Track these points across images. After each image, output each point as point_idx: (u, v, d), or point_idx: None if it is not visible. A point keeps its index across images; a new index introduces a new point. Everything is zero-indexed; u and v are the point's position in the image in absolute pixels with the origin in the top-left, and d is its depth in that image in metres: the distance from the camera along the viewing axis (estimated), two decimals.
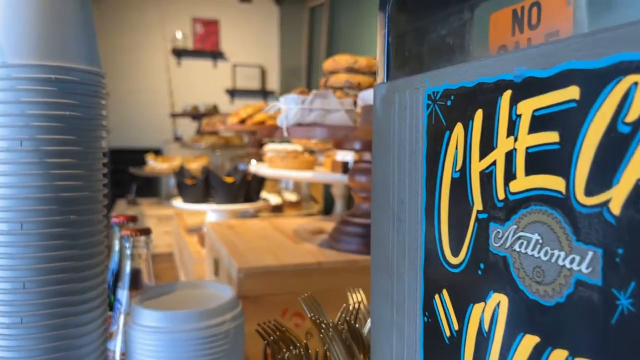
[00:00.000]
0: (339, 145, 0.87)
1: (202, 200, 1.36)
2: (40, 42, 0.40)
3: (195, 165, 1.96)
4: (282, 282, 0.75)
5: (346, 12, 3.43)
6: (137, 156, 4.49)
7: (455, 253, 0.33)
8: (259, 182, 1.42)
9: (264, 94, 5.13)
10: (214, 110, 2.58)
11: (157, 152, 4.48)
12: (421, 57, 0.42)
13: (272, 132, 0.77)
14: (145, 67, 4.62)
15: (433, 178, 0.35)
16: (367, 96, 0.81)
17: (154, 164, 1.96)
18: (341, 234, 0.86)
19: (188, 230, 1.43)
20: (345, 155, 1.14)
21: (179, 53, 4.70)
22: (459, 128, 0.32)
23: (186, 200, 1.35)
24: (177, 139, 2.70)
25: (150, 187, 3.20)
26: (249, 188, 1.39)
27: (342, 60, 0.85)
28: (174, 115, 3.02)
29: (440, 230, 0.35)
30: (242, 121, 1.82)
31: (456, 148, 0.33)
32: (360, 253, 0.82)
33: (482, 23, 0.42)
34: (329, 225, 1.07)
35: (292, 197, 1.70)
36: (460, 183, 0.32)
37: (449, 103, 0.33)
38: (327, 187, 1.72)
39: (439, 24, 0.39)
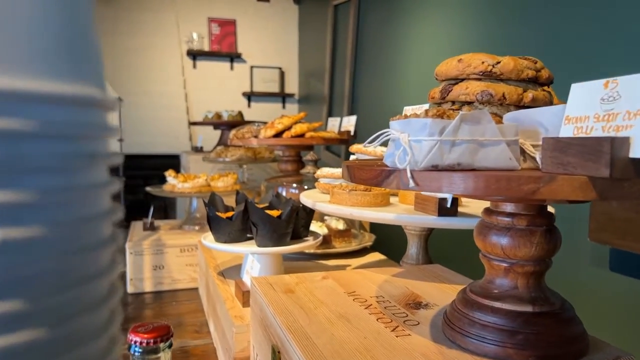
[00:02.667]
0: None
1: (239, 238, 1.08)
2: None
3: (221, 184, 1.68)
4: None
5: (375, 8, 3.14)
6: (152, 162, 4.24)
7: None
8: (308, 213, 1.14)
9: (283, 97, 4.87)
10: (239, 118, 2.30)
11: (174, 159, 4.22)
12: None
13: (375, 176, 0.49)
14: (159, 70, 4.38)
15: None
16: (525, 118, 0.52)
17: (174, 182, 1.69)
18: (471, 324, 0.57)
19: (221, 274, 1.15)
20: None
21: (195, 55, 4.44)
22: None
23: (219, 238, 1.07)
24: (197, 149, 2.42)
25: (169, 205, 2.93)
26: (296, 221, 1.10)
27: (475, 60, 0.56)
28: (194, 124, 2.75)
29: None
30: (278, 134, 1.55)
31: None
32: (506, 359, 0.53)
33: None
34: (419, 287, 0.79)
35: (339, 224, 1.41)
36: None
37: None
38: None
39: None
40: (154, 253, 1.47)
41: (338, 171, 1.05)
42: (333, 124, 1.85)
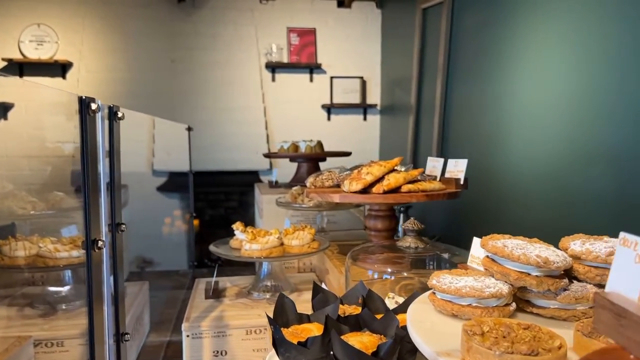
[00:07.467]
0: None
1: None
2: None
3: (296, 243, 1.38)
4: None
5: (473, 10, 2.70)
6: (232, 178, 4.12)
7: None
8: None
9: (364, 108, 4.55)
10: (318, 150, 2.00)
11: (253, 175, 4.07)
12: None
13: None
14: (238, 84, 4.26)
15: None
16: None
17: (242, 238, 1.42)
18: None
19: None
20: None
21: (274, 67, 4.26)
22: None
23: None
24: (273, 185, 2.16)
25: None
26: (401, 347, 0.76)
27: None
28: (268, 156, 2.51)
29: None
30: (365, 188, 1.21)
31: None
32: None
33: None
34: None
35: None
36: None
37: None
38: None
39: None
40: (214, 336, 1.20)
41: (467, 285, 0.69)
42: (434, 165, 1.47)
